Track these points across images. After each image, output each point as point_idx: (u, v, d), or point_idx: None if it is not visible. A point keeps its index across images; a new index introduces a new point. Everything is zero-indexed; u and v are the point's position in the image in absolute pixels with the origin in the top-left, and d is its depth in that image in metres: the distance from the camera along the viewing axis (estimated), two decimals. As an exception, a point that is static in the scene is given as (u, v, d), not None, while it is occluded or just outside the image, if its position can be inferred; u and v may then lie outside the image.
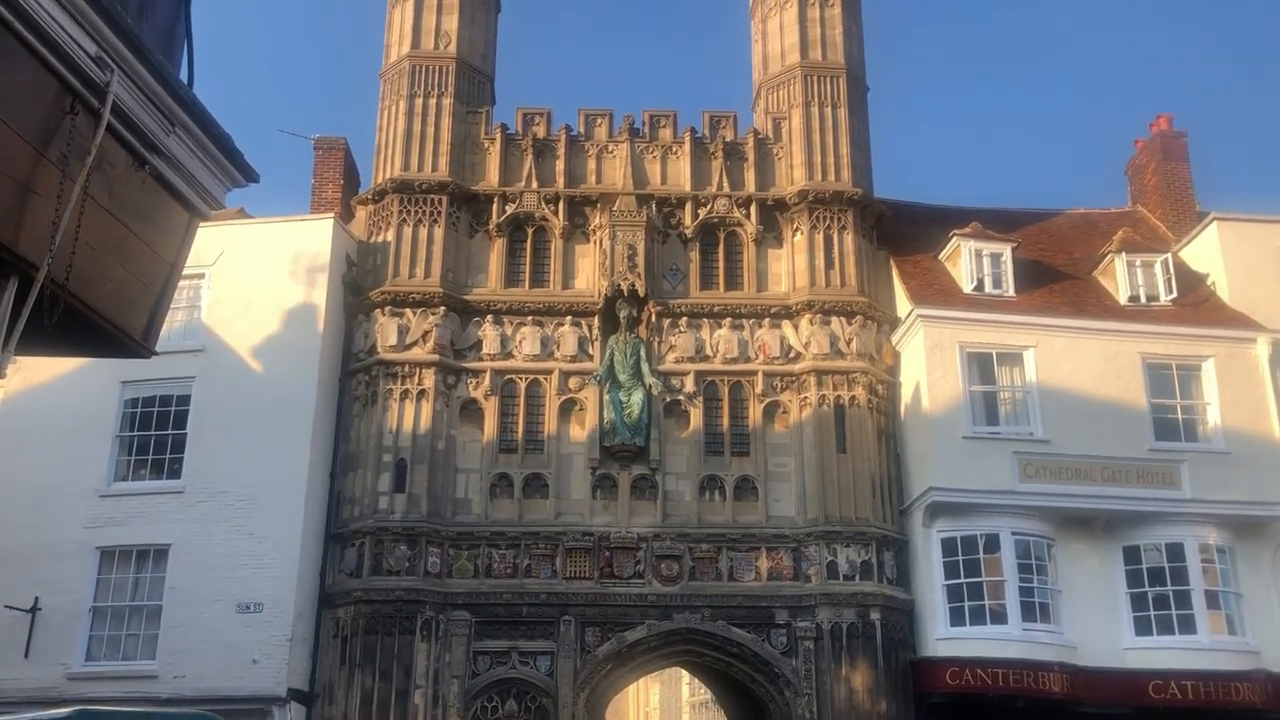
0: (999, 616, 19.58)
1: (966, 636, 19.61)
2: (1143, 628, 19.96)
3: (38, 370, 19.80)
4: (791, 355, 21.72)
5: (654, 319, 21.84)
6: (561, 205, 22.53)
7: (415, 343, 21.23)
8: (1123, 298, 22.34)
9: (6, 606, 18.94)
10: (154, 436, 20.56)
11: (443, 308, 21.45)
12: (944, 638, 19.76)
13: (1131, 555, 20.36)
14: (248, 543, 19.50)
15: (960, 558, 20.01)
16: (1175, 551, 20.18)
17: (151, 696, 17.72)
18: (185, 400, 20.59)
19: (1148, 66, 57.59)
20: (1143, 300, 22.24)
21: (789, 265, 22.43)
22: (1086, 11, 59.93)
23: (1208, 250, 23.00)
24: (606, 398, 21.16)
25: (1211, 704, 19.25)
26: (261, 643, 18.96)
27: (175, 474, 20.30)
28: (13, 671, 18.65)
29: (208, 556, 19.41)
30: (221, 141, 5.45)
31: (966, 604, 19.78)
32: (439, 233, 22.03)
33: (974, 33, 61.52)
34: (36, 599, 19.25)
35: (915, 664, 19.90)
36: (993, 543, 19.96)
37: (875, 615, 19.90)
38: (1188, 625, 19.82)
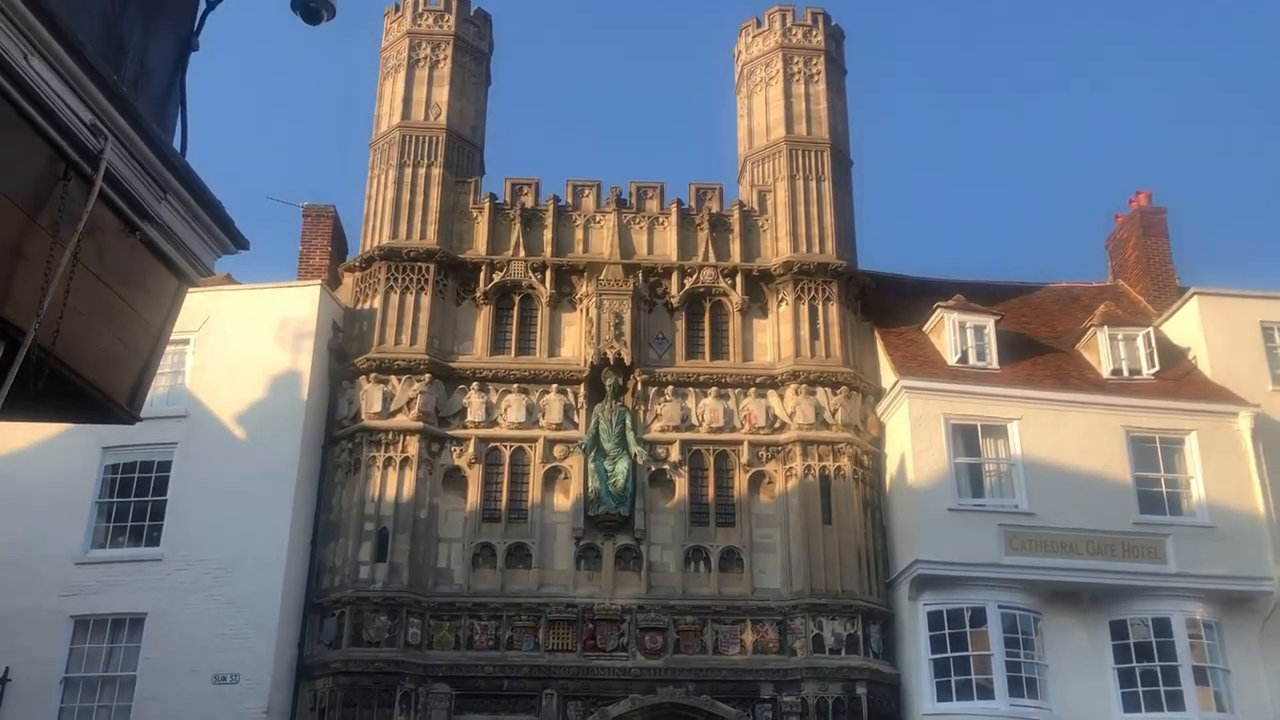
0: (986, 691, 19.35)
1: (954, 712, 19.34)
2: (1131, 704, 19.74)
3: (18, 435, 19.59)
4: (777, 425, 21.72)
5: (640, 388, 21.85)
6: (548, 274, 22.65)
7: (399, 410, 21.16)
8: (1105, 371, 22.48)
9: (-24, 677, 18.53)
10: (133, 503, 20.32)
11: (428, 375, 21.42)
12: (931, 713, 19.49)
13: (1119, 630, 20.22)
14: (226, 612, 19.19)
15: (947, 631, 19.83)
16: (1162, 626, 20.05)
17: (122, 771, 17.29)
18: (166, 466, 20.40)
19: (1128, 141, 58.67)
20: (1125, 374, 22.39)
21: (774, 335, 22.54)
22: (1067, 87, 61.22)
23: (1188, 324, 23.23)
24: (591, 466, 21.07)
25: (1202, 783, 18.98)
26: (238, 715, 18.56)
27: (154, 541, 20.03)
28: (-21, 744, 18.21)
29: (185, 626, 19.07)
30: (213, 209, 5.48)
31: (953, 678, 19.55)
32: (426, 300, 22.09)
33: (956, 109, 62.71)
34: (7, 669, 18.83)
35: (902, 740, 19.60)
36: (979, 616, 19.80)
37: (861, 690, 19.65)
38: (1176, 702, 19.61)
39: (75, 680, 19.26)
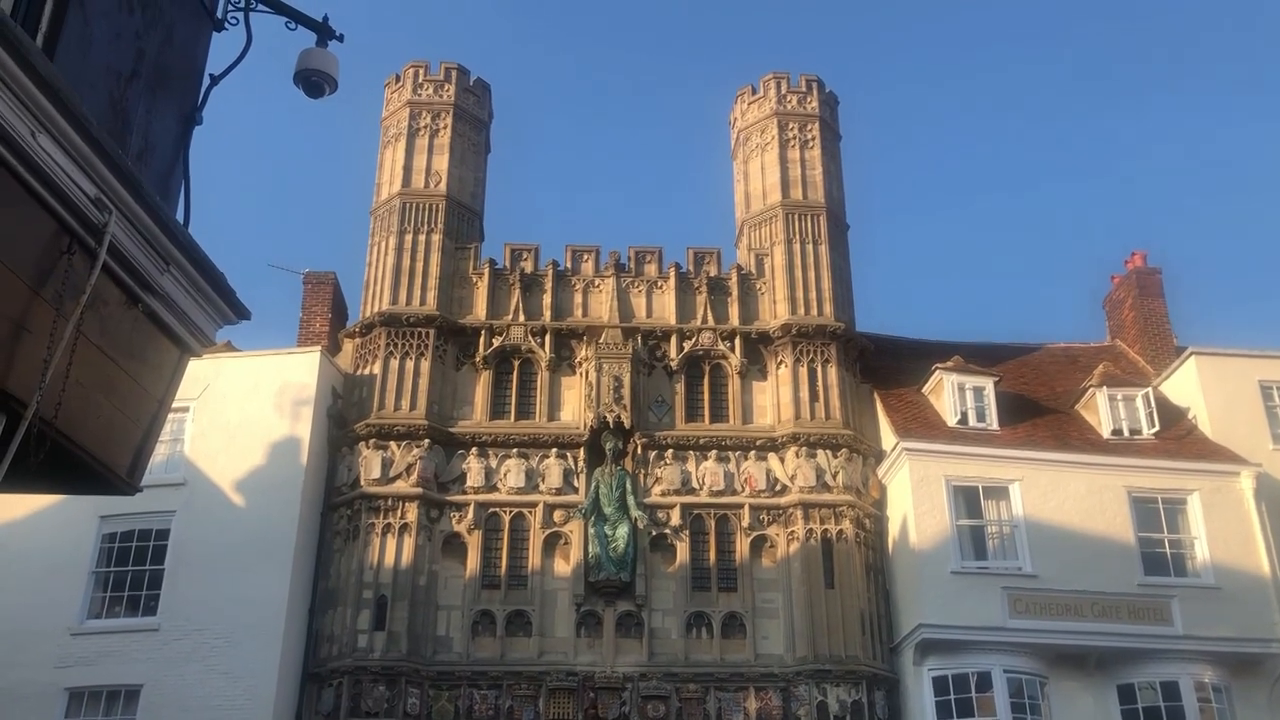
0: (994, 759, 19.01)
1: (961, 780, 19.00)
2: (1141, 770, 19.40)
3: (15, 504, 19.46)
4: (778, 488, 21.63)
5: (639, 451, 21.80)
6: (548, 338, 22.72)
7: (399, 475, 21.08)
8: (1105, 431, 22.45)
9: (-33, 752, 18.23)
10: (130, 572, 20.15)
11: (427, 440, 21.38)
12: (938, 781, 19.15)
13: (1126, 694, 19.93)
14: (223, 683, 18.92)
15: (952, 696, 19.55)
16: (1171, 690, 19.77)
17: None
18: (165, 535, 20.26)
19: (1123, 202, 59.17)
20: (1126, 434, 22.36)
21: (774, 398, 22.55)
22: (1062, 149, 61.89)
23: (1187, 384, 23.25)
24: (591, 531, 20.95)
25: None
26: (232, 789, 18.23)
27: (151, 611, 19.82)
28: (-30, 821, 17.85)
29: (181, 698, 18.80)
30: (215, 280, 5.53)
31: (960, 746, 19.23)
32: (425, 365, 22.13)
33: (951, 172, 63.34)
34: (-1, 743, 18.55)
35: (910, 810, 19.23)
36: (985, 681, 19.54)
37: (867, 758, 19.31)
38: (1188, 769, 19.27)
39: (68, 755, 18.93)
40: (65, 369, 4.57)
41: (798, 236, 23.84)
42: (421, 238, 23.37)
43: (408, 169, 24.04)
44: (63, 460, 4.83)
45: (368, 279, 23.54)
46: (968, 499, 21.09)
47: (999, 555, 20.89)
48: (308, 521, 20.78)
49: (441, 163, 24.13)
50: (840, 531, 21.05)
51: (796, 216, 24.06)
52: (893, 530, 21.45)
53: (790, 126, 25.08)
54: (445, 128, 24.52)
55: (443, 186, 23.91)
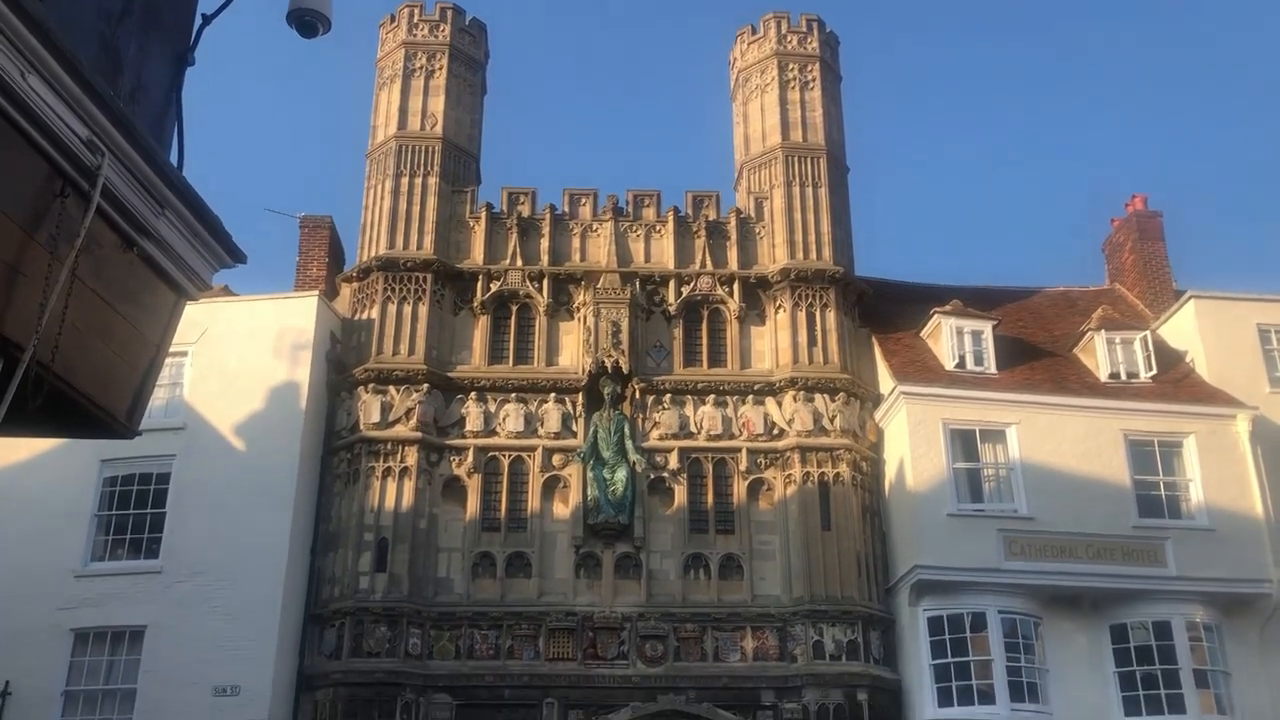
0: (987, 696, 19.33)
1: (954, 717, 19.32)
2: (1132, 708, 19.72)
3: (16, 450, 19.57)
4: (775, 432, 21.73)
5: (638, 396, 21.86)
6: (546, 283, 22.67)
7: (398, 420, 21.15)
8: (1103, 375, 22.51)
9: (-24, 691, 18.51)
10: (132, 516, 20.31)
11: (426, 385, 21.42)
12: (933, 718, 19.47)
13: (1119, 634, 20.21)
14: (225, 624, 19.16)
15: (947, 637, 19.82)
16: (1163, 630, 20.05)
17: (123, 784, 17.25)
18: (165, 479, 20.39)
19: (1124, 143, 58.73)
20: (1123, 377, 22.42)
21: (772, 342, 22.56)
22: (1063, 90, 61.34)
23: (1185, 327, 23.27)
24: (590, 475, 21.07)
25: (1204, 786, 18.96)
26: (238, 727, 18.53)
27: (153, 554, 20.02)
28: (-20, 759, 18.17)
29: (184, 638, 19.04)
30: (210, 224, 5.49)
31: (954, 684, 19.53)
32: (423, 310, 22.10)
33: (951, 113, 62.82)
34: (7, 683, 18.80)
35: (904, 746, 19.58)
36: (979, 621, 19.80)
37: (862, 696, 19.63)
38: (1177, 705, 19.59)
39: (76, 693, 19.23)
40: (61, 313, 4.56)
41: (797, 180, 23.70)
42: (418, 181, 23.21)
43: (403, 111, 23.81)
44: (61, 404, 4.84)
45: (364, 223, 23.44)
46: (964, 442, 21.20)
47: (995, 498, 21.05)
48: (308, 465, 20.90)
49: (437, 104, 23.90)
50: (837, 475, 21.18)
51: (796, 159, 23.89)
52: (889, 473, 21.59)
53: (790, 67, 24.81)
54: (441, 69, 24.26)
55: (439, 129, 23.70)
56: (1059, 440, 21.03)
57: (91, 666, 19.39)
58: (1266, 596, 20.27)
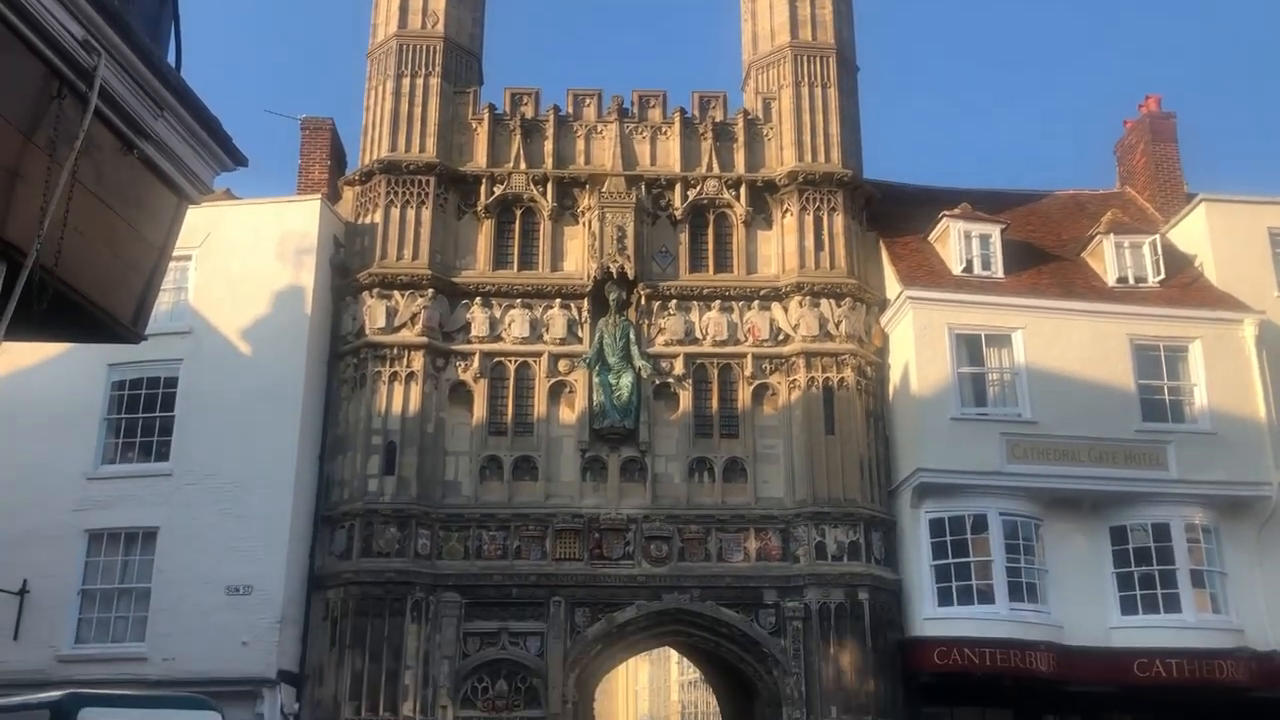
0: (986, 597, 19.70)
1: (954, 616, 19.73)
2: (1129, 607, 20.11)
3: (24, 354, 19.63)
4: (781, 338, 21.74)
5: (643, 301, 21.82)
6: (550, 186, 22.45)
7: (403, 325, 21.17)
8: (1111, 279, 22.41)
9: (-5, 589, 18.90)
10: (141, 419, 20.49)
11: (431, 290, 21.38)
12: (932, 618, 19.88)
13: (1118, 535, 20.50)
14: (237, 525, 19.46)
15: (948, 538, 20.11)
16: (1161, 531, 20.33)
17: (141, 678, 17.71)
18: (173, 383, 20.52)
19: (1138, 47, 57.65)
20: (1131, 281, 22.31)
21: (778, 247, 22.42)
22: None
23: (1195, 231, 23.07)
24: (596, 380, 21.16)
25: (1196, 682, 19.43)
26: (251, 625, 18.96)
27: (163, 457, 20.24)
28: (3, 653, 18.64)
29: (196, 539, 19.37)
30: (210, 125, 5.41)
31: (954, 584, 19.89)
32: (426, 214, 21.94)
33: (963, 13, 61.52)
34: (25, 581, 19.21)
35: (903, 644, 20.02)
36: (980, 523, 20.07)
37: (863, 595, 20.00)
38: (1173, 604, 19.98)
39: (92, 592, 19.65)
40: (63, 217, 4.52)
41: (806, 79, 23.26)
42: (419, 81, 22.83)
43: (404, 9, 23.29)
44: (66, 309, 4.83)
45: (366, 124, 23.12)
46: (970, 347, 21.22)
47: (999, 402, 21.15)
48: (314, 369, 20.99)
49: (438, 2, 23.35)
50: (842, 380, 21.25)
51: (805, 58, 23.42)
52: (894, 378, 21.65)
53: (799, -37, 24.13)
54: (441, -35, 23.62)
55: (440, 27, 23.21)
56: (1064, 345, 21.03)
57: (106, 566, 19.77)
58: (1266, 499, 20.49)
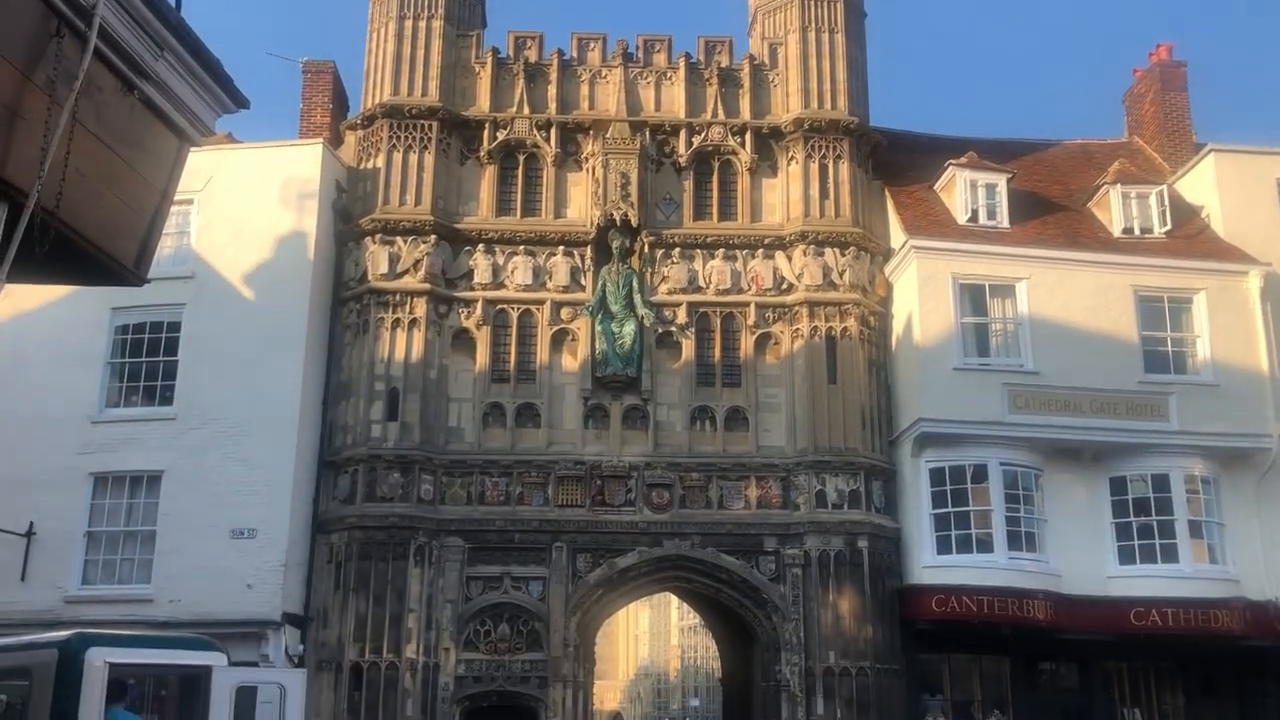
0: (985, 545, 19.84)
1: (953, 565, 19.88)
2: (1126, 557, 20.28)
3: (26, 297, 19.65)
4: (784, 286, 21.69)
5: (646, 249, 21.74)
6: (553, 132, 22.27)
7: (406, 271, 21.12)
8: (1116, 230, 22.30)
9: (1, 531, 19.05)
10: (145, 363, 20.53)
11: (433, 236, 21.29)
12: (930, 566, 20.05)
13: (1118, 486, 20.61)
14: (241, 470, 19.58)
15: (948, 487, 20.22)
16: (1161, 482, 20.42)
17: (147, 620, 17.90)
18: (176, 327, 20.53)
19: (1148, -6, 56.75)
20: (1136, 232, 22.21)
21: (783, 195, 22.29)
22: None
23: (1204, 182, 22.91)
24: (599, 328, 21.15)
25: (1191, 631, 19.63)
26: (255, 568, 19.14)
27: (167, 401, 20.31)
28: (10, 594, 18.84)
29: (201, 483, 19.50)
30: (211, 66, 5.36)
31: (953, 533, 20.03)
32: (429, 159, 21.79)
33: (973, -43, 60.52)
34: (31, 524, 19.36)
35: (902, 591, 20.20)
36: (980, 473, 20.16)
37: (863, 543, 20.14)
38: (1170, 554, 20.13)
39: (98, 534, 19.82)
40: (64, 158, 4.49)
41: (813, 25, 22.97)
42: (422, 24, 22.56)
43: (406, -50, 22.92)
44: (68, 251, 4.81)
45: (368, 68, 22.88)
46: (974, 297, 21.18)
47: (1002, 353, 21.15)
48: (317, 315, 20.98)
49: (441, -57, 23.00)
50: (845, 329, 21.23)
51: (813, 3, 23.09)
52: (897, 328, 21.63)
53: (808, -95, 23.72)
54: (444, -96, 23.24)
55: (443, -31, 22.87)
56: (1068, 296, 20.98)
57: (111, 509, 19.92)
58: (1266, 451, 20.56)
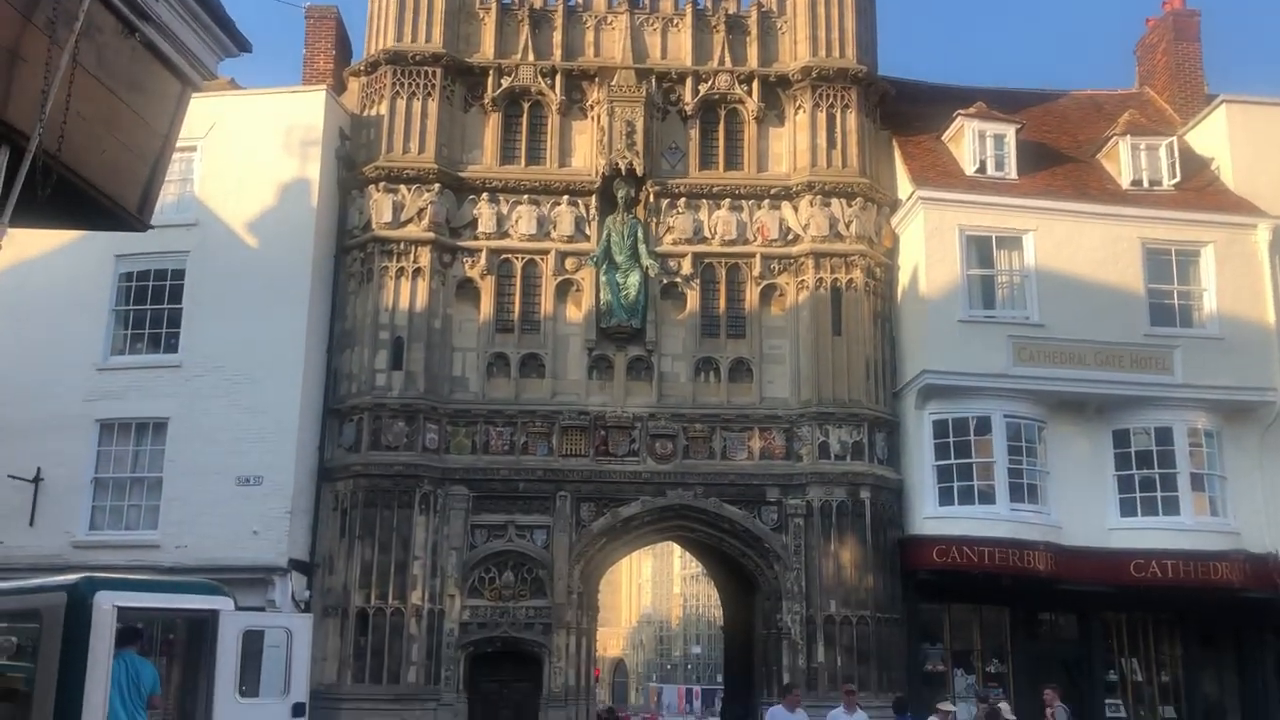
0: (987, 497, 19.91)
1: (954, 516, 19.97)
2: (1128, 509, 20.35)
3: (30, 244, 19.55)
4: (790, 237, 21.58)
5: (652, 199, 21.62)
6: (558, 79, 22.05)
7: (410, 220, 21.03)
8: (1125, 182, 22.12)
9: (10, 476, 19.18)
10: (150, 311, 20.52)
11: (437, 184, 21.17)
12: (932, 516, 20.14)
13: (1121, 438, 20.63)
14: (246, 417, 19.65)
15: (951, 439, 20.26)
16: (1164, 435, 20.45)
17: (154, 565, 18.06)
18: (180, 274, 20.50)
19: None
20: (1145, 184, 22.03)
21: (790, 145, 22.11)
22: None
23: (1214, 134, 22.68)
24: (603, 279, 21.09)
25: (1190, 582, 19.75)
26: (262, 515, 19.27)
27: (172, 348, 20.34)
28: (19, 539, 19.01)
29: (206, 430, 19.58)
30: (212, 8, 5.30)
31: (955, 484, 20.10)
32: (433, 106, 21.60)
33: (985, -97, 59.47)
34: (39, 469, 19.49)
35: (903, 542, 20.32)
36: (984, 425, 20.18)
37: (865, 494, 20.23)
38: (1172, 507, 20.20)
39: (105, 481, 19.94)
40: (65, 101, 4.45)
41: (821, -29, 22.62)
42: (426, -31, 22.23)
43: (409, -108, 22.56)
44: (71, 195, 4.79)
45: (371, 13, 22.60)
46: (980, 248, 21.07)
47: (1008, 305, 21.08)
48: (321, 263, 20.94)
49: (445, -115, 22.62)
50: (850, 281, 21.16)
51: (821, -51, 22.73)
52: (903, 279, 21.55)
53: None
54: None
55: (446, -88, 22.51)
56: (1075, 248, 20.87)
57: (118, 455, 20.03)
58: (1270, 404, 20.57)
